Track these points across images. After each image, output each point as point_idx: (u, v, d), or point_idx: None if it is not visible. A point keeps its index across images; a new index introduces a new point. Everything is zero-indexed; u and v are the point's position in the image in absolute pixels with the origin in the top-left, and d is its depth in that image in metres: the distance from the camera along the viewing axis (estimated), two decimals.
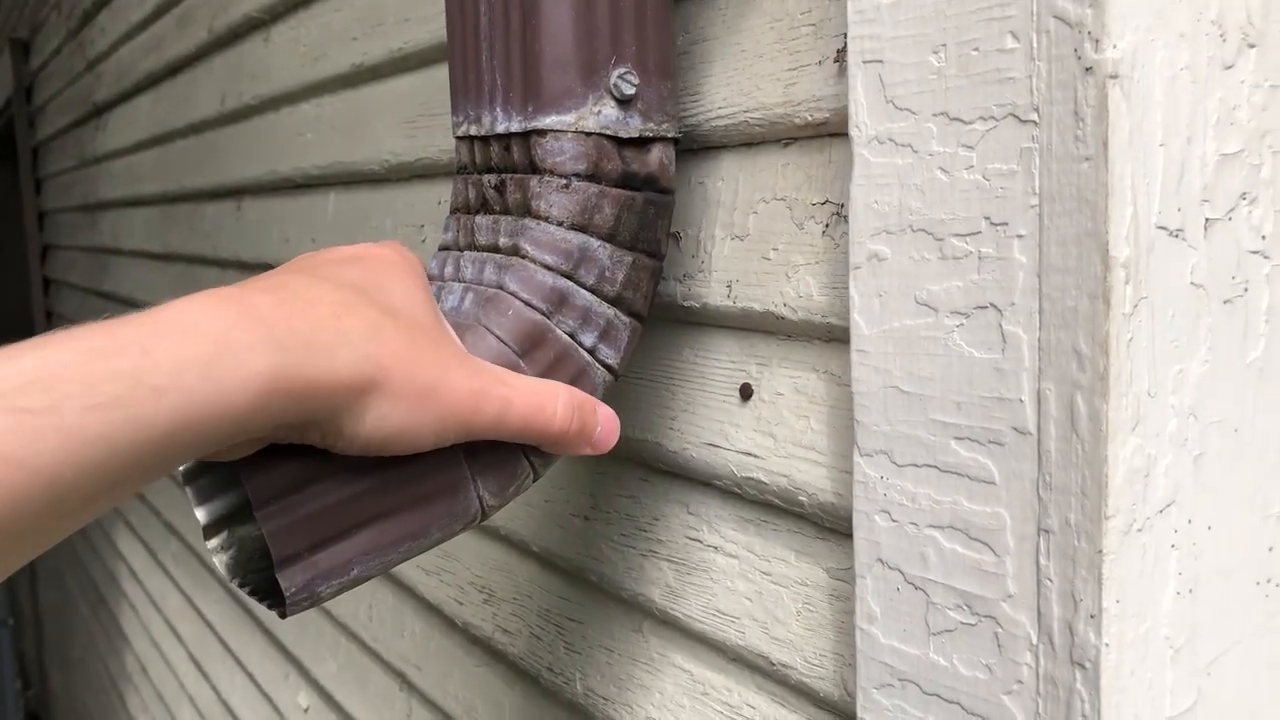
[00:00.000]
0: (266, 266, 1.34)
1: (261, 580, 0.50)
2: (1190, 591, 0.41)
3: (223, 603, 1.69)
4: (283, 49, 1.21)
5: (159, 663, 2.17)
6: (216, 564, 0.51)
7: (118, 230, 2.21)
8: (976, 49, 0.41)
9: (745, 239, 0.57)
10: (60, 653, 3.63)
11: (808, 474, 0.55)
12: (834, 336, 0.53)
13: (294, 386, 0.39)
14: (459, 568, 0.92)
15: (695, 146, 0.60)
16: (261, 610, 1.50)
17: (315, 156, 1.14)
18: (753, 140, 0.57)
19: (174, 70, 1.68)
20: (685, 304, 0.61)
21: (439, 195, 0.90)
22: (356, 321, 0.41)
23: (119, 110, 2.12)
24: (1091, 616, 0.39)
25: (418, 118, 0.91)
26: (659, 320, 0.64)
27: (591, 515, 0.72)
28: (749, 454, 0.58)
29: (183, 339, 0.36)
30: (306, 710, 1.34)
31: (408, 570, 1.01)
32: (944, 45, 0.42)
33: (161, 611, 2.12)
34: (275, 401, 0.38)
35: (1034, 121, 0.39)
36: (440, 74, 0.87)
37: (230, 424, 0.37)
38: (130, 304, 2.13)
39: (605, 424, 0.50)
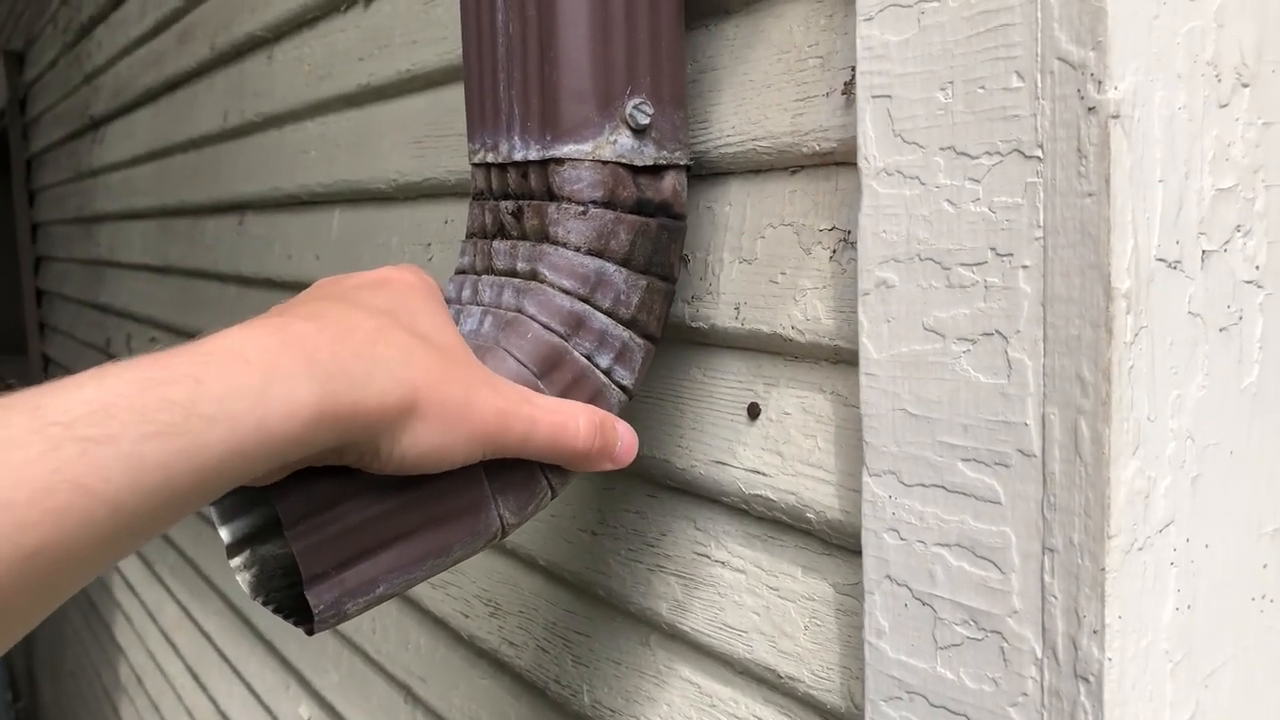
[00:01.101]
0: (268, 282, 1.35)
1: (285, 598, 0.51)
2: (1189, 607, 0.43)
3: (221, 614, 1.70)
4: (287, 67, 1.23)
5: (155, 674, 2.17)
6: (239, 582, 0.52)
7: (114, 243, 2.22)
8: (983, 87, 0.42)
9: (753, 262, 0.59)
10: (52, 664, 3.62)
11: (815, 491, 0.56)
12: (841, 359, 0.55)
13: (339, 412, 0.40)
14: (465, 581, 0.94)
15: (704, 172, 0.62)
16: (261, 621, 1.51)
17: (320, 174, 1.16)
18: (760, 167, 0.59)
19: (174, 86, 1.69)
20: (694, 325, 0.63)
21: (446, 215, 0.92)
22: (391, 347, 0.43)
23: (117, 124, 2.13)
24: (1094, 632, 0.41)
25: (425, 138, 0.93)
26: (668, 341, 0.66)
27: (599, 530, 0.74)
28: (756, 471, 0.60)
29: (232, 368, 0.38)
30: None
31: None
32: (951, 82, 0.44)
33: (157, 622, 2.12)
34: (321, 428, 0.40)
35: (1038, 157, 0.41)
36: (448, 96, 0.89)
37: (278, 450, 0.39)
38: (127, 317, 2.13)
39: (625, 439, 0.52)
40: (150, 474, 0.34)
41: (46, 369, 3.27)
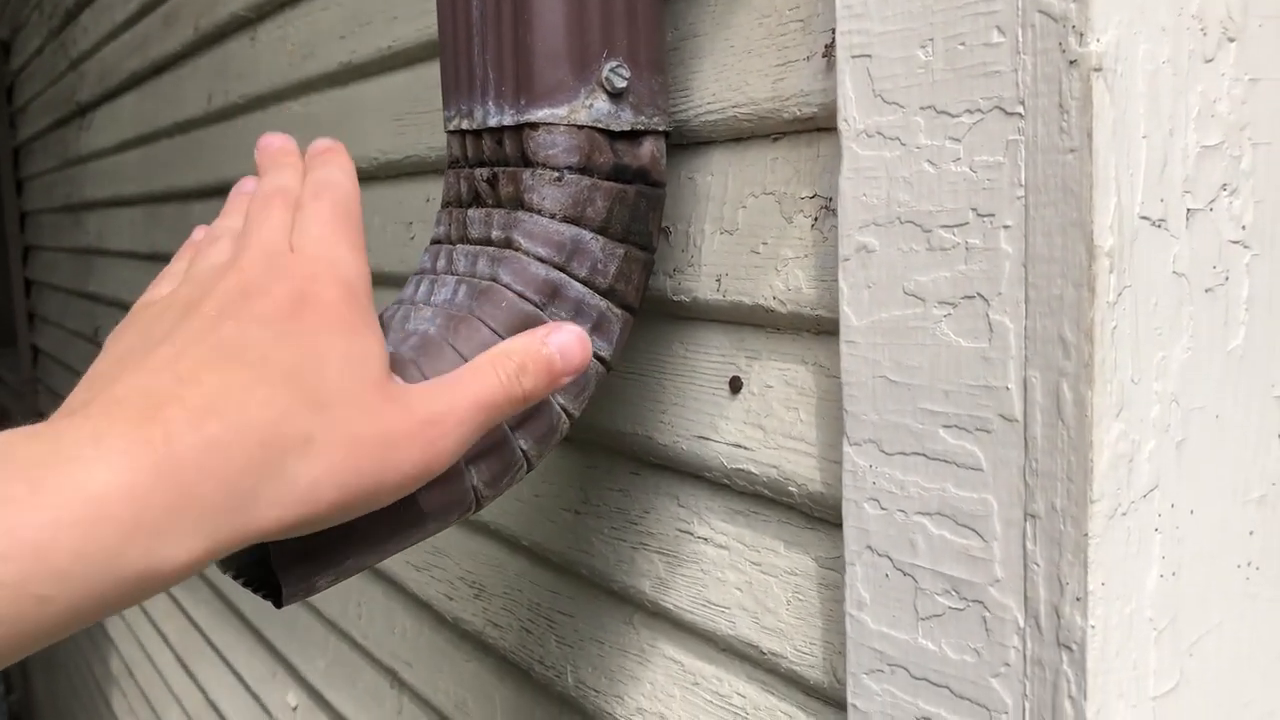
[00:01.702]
0: None
1: (256, 572, 0.50)
2: (1173, 574, 0.42)
3: (209, 603, 1.69)
4: (270, 47, 1.22)
5: (145, 665, 2.16)
6: None
7: (103, 230, 2.21)
8: (963, 43, 0.41)
9: (735, 233, 0.58)
10: (44, 656, 3.61)
11: (797, 465, 0.55)
12: (823, 329, 0.54)
13: (223, 548, 0.36)
14: (449, 563, 0.93)
15: (685, 141, 0.61)
16: (248, 609, 1.50)
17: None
18: (742, 135, 0.57)
19: (159, 69, 1.68)
20: (675, 298, 0.62)
21: (427, 193, 0.90)
22: (286, 448, 0.37)
23: (103, 109, 2.11)
24: (1077, 599, 0.40)
25: (406, 115, 0.92)
26: (649, 314, 0.65)
27: (582, 509, 0.73)
28: (739, 446, 0.59)
29: (83, 528, 0.31)
30: (295, 709, 1.34)
31: (397, 567, 1.02)
32: (931, 40, 0.43)
33: (147, 613, 2.11)
34: (193, 569, 0.35)
35: (1019, 114, 0.40)
36: (428, 72, 0.88)
37: (144, 596, 0.34)
38: (115, 305, 2.12)
39: (564, 351, 0.46)
40: None
41: (36, 360, 3.26)
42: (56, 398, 2.73)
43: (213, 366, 0.38)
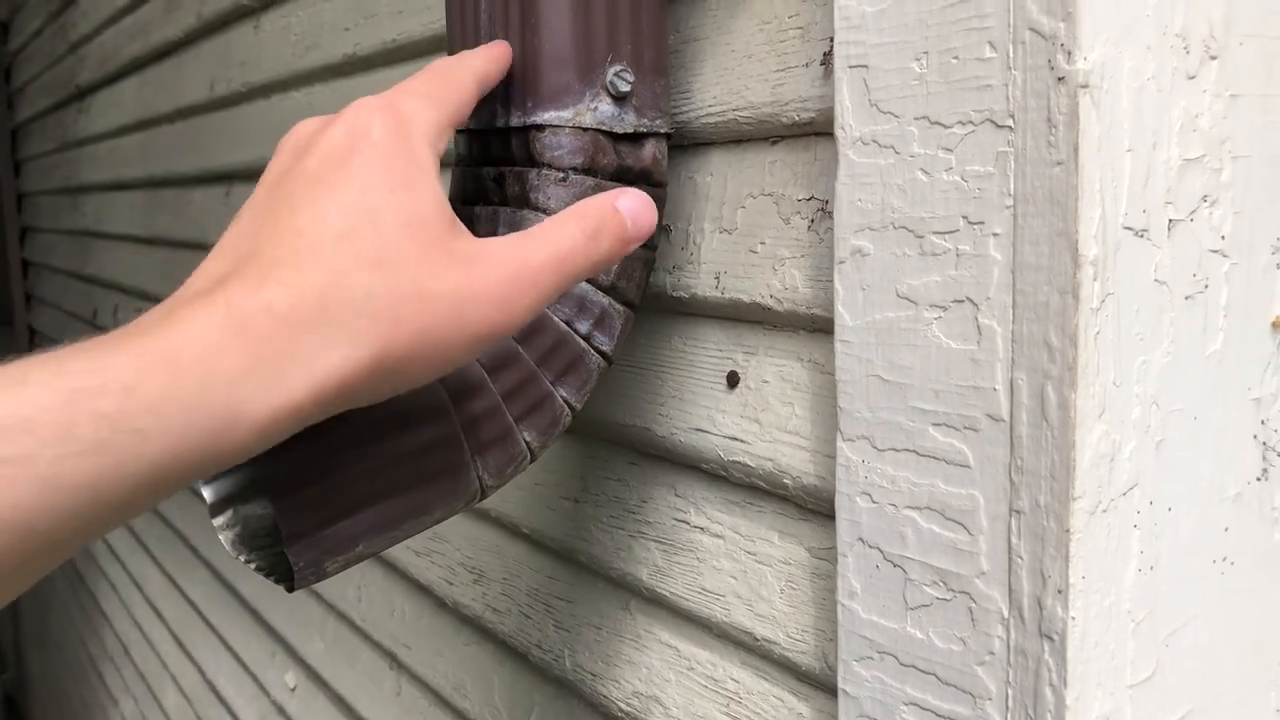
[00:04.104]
0: None
1: (266, 557, 0.52)
2: (1151, 568, 0.44)
3: (207, 583, 1.71)
4: (273, 37, 1.23)
5: (141, 643, 2.18)
6: (222, 541, 0.53)
7: (101, 214, 2.21)
8: (956, 57, 0.43)
9: (734, 232, 0.60)
10: (38, 634, 3.63)
11: (791, 458, 0.57)
12: (818, 327, 0.55)
13: (294, 405, 0.37)
14: (449, 549, 0.95)
15: (686, 142, 0.62)
16: (247, 589, 1.52)
17: None
18: (741, 137, 0.59)
19: (160, 55, 1.69)
20: (675, 294, 0.64)
21: None
22: (345, 306, 0.38)
23: (102, 94, 2.12)
24: (1059, 592, 0.42)
25: None
26: (649, 310, 0.66)
27: (581, 498, 0.75)
28: (735, 439, 0.61)
29: (166, 372, 0.34)
30: (294, 689, 1.36)
31: (397, 551, 1.04)
32: (926, 53, 0.44)
33: (143, 591, 2.13)
34: (277, 427, 0.37)
35: (1010, 127, 0.41)
36: None
37: (227, 458, 0.36)
38: (114, 288, 2.13)
39: (633, 216, 0.46)
40: (71, 494, 0.32)
41: (33, 341, 3.27)
42: None
43: (270, 235, 0.40)
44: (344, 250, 0.39)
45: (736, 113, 0.58)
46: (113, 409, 0.33)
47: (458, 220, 0.43)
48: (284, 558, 0.49)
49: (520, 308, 0.42)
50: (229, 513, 0.53)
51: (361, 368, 0.38)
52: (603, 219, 0.45)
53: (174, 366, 0.34)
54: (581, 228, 0.44)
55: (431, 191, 0.42)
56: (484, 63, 0.51)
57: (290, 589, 0.48)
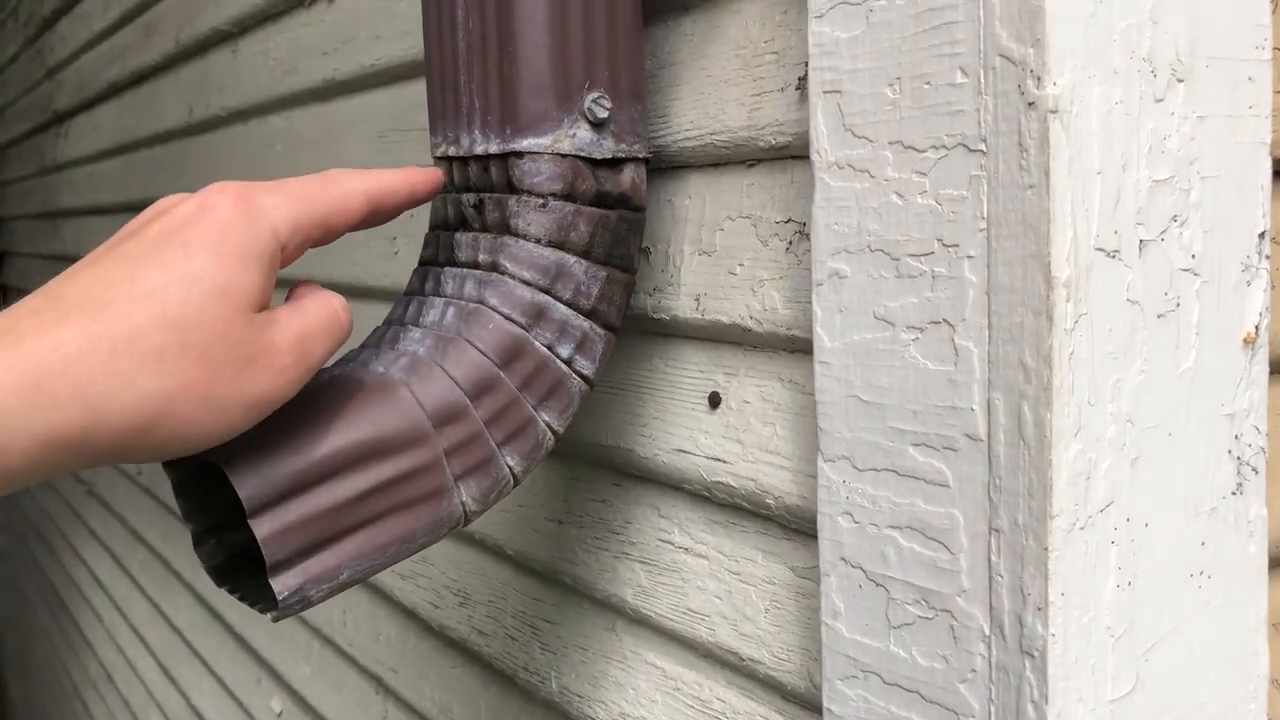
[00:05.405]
0: None
1: (250, 585, 0.52)
2: (1129, 584, 0.44)
3: (191, 608, 1.70)
4: (251, 61, 1.23)
5: (125, 669, 2.16)
6: (206, 571, 0.53)
7: (80, 238, 2.21)
8: (929, 83, 0.44)
9: (713, 254, 0.60)
10: (19, 660, 3.60)
11: (774, 478, 0.58)
12: (797, 348, 0.56)
13: (64, 442, 0.39)
14: (434, 572, 0.94)
15: (664, 166, 0.63)
16: (232, 615, 1.51)
17: (286, 168, 1.16)
18: (719, 161, 0.60)
19: (139, 80, 1.69)
20: (655, 316, 0.64)
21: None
22: (135, 360, 0.40)
23: (81, 118, 2.11)
24: (1039, 609, 0.42)
25: (389, 132, 0.94)
26: (630, 332, 0.67)
27: (565, 519, 0.75)
28: (718, 459, 0.61)
29: None
30: (280, 715, 1.36)
31: (382, 575, 1.03)
32: (899, 78, 0.45)
33: (127, 617, 2.12)
34: (49, 456, 0.39)
35: (982, 151, 0.42)
36: (411, 90, 0.90)
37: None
38: None
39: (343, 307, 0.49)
40: None
41: None
42: None
43: (81, 282, 0.42)
44: (149, 307, 0.41)
45: (714, 136, 0.59)
46: None
47: (269, 307, 0.45)
48: (269, 587, 0.49)
49: (291, 377, 0.45)
50: (212, 541, 0.53)
51: (143, 419, 0.41)
52: (336, 299, 0.48)
53: None
54: (324, 312, 0.47)
55: (257, 273, 0.44)
56: (392, 182, 0.52)
57: (276, 618, 0.48)
